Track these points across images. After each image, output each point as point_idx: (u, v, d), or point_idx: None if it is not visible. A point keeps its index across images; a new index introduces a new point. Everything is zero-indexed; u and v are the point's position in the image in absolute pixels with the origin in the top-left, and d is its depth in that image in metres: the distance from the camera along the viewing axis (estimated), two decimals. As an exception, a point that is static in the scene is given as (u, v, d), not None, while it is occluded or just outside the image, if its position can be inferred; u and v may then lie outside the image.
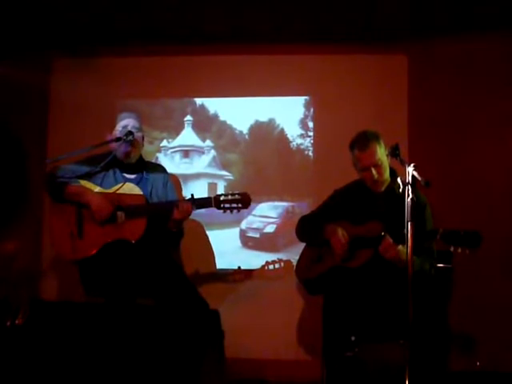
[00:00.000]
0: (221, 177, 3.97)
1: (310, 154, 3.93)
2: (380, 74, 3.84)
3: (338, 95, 3.87)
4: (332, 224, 2.89)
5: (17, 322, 1.56)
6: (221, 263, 3.87)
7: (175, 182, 3.66)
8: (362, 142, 2.83)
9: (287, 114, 3.96)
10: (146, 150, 3.86)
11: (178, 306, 2.77)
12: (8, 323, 1.56)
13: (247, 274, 3.76)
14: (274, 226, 3.90)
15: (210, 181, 3.97)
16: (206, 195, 2.96)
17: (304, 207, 3.79)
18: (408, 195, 2.30)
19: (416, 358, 2.30)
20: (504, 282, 3.52)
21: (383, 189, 2.90)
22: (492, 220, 3.50)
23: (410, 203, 2.29)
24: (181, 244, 3.22)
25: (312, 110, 3.95)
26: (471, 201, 3.61)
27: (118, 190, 2.89)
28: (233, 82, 3.98)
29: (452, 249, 2.50)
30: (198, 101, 4.05)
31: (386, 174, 2.87)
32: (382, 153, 2.81)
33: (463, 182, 3.65)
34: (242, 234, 3.92)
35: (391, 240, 2.65)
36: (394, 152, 2.50)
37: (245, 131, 4.00)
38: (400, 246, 2.62)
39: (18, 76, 3.92)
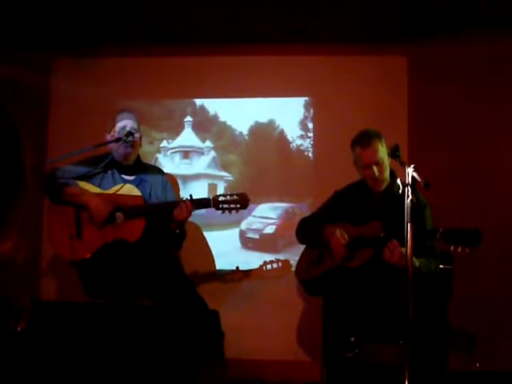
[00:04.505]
0: (221, 178, 3.97)
1: (310, 154, 3.93)
2: (380, 75, 3.84)
3: (337, 96, 3.87)
4: (331, 225, 2.89)
5: (19, 328, 1.55)
6: (221, 264, 3.86)
7: (173, 182, 3.65)
8: (365, 139, 2.84)
9: (287, 114, 3.95)
10: (146, 151, 3.87)
11: (177, 307, 2.77)
12: (10, 327, 1.54)
13: (245, 273, 3.75)
14: (274, 226, 3.90)
15: (210, 182, 3.96)
16: (205, 196, 2.95)
17: (304, 208, 3.79)
18: (408, 196, 2.30)
19: (416, 359, 2.30)
20: (504, 281, 3.52)
21: (383, 188, 2.90)
22: (492, 220, 3.50)
23: (409, 204, 2.29)
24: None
25: (312, 110, 3.95)
26: (471, 201, 3.61)
27: (117, 191, 2.89)
28: (233, 83, 3.98)
29: (452, 248, 2.49)
30: (198, 101, 4.05)
31: (387, 173, 2.88)
32: (383, 151, 2.82)
33: (463, 181, 3.66)
34: (242, 234, 3.92)
35: (396, 243, 2.61)
36: (393, 153, 2.50)
37: (245, 132, 4.00)
38: (404, 249, 2.61)
39: (19, 76, 3.91)
